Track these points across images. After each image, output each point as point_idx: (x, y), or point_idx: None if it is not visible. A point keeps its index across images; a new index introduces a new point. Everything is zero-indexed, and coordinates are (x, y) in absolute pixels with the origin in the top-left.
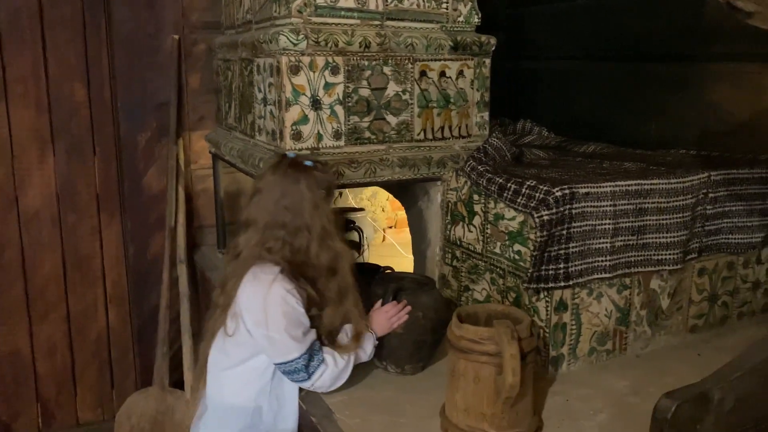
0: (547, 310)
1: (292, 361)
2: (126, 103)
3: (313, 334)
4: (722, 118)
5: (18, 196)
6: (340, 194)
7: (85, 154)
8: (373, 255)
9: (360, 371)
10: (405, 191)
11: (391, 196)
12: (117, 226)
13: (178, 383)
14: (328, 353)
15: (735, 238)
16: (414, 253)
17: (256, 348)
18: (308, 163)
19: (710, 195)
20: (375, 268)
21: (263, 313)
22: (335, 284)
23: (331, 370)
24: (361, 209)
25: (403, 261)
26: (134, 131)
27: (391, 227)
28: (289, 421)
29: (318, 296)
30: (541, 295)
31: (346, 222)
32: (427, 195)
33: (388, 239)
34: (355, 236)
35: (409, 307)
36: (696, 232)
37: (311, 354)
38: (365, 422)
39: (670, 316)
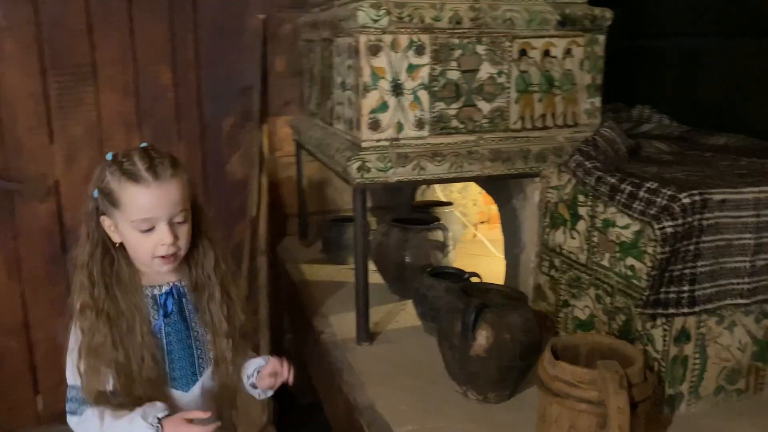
0: (665, 340)
1: (68, 387)
2: (210, 87)
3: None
4: None
5: None
6: (428, 185)
7: (170, 139)
8: (461, 254)
9: (437, 396)
10: (497, 187)
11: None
12: None
13: None
14: (95, 411)
15: None
16: (506, 257)
17: None
18: (108, 156)
19: None
20: (458, 274)
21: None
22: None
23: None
24: (449, 203)
25: (494, 262)
26: (218, 116)
27: (483, 222)
28: None
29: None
30: (658, 322)
31: (429, 218)
32: (523, 193)
33: (479, 236)
34: (439, 236)
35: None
36: None
37: (72, 395)
38: None
39: None
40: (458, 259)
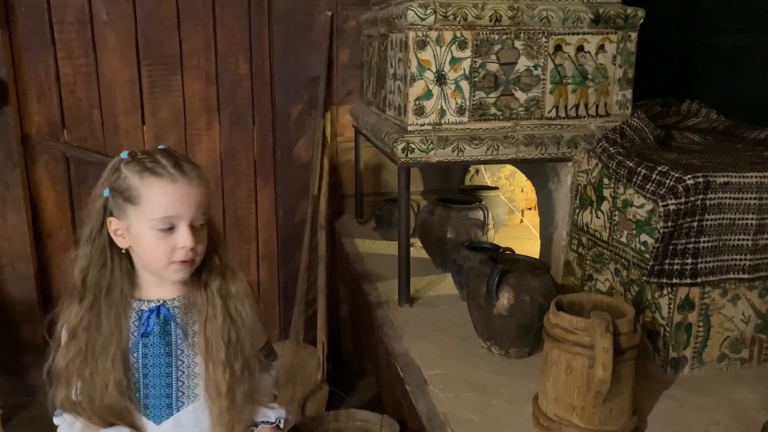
0: (669, 308)
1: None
2: (282, 77)
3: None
4: None
5: None
6: (476, 171)
7: (245, 124)
8: (506, 236)
9: (464, 350)
10: (536, 172)
11: None
12: (270, 191)
13: (313, 341)
14: (67, 421)
15: None
16: (541, 236)
17: None
18: (123, 154)
19: None
20: (494, 249)
21: None
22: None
23: None
24: (496, 188)
25: (536, 244)
26: (288, 104)
27: (530, 209)
28: None
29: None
30: (665, 291)
31: (470, 199)
32: (558, 176)
33: (525, 222)
34: (479, 215)
35: None
36: None
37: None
38: (457, 398)
39: None
40: (502, 240)
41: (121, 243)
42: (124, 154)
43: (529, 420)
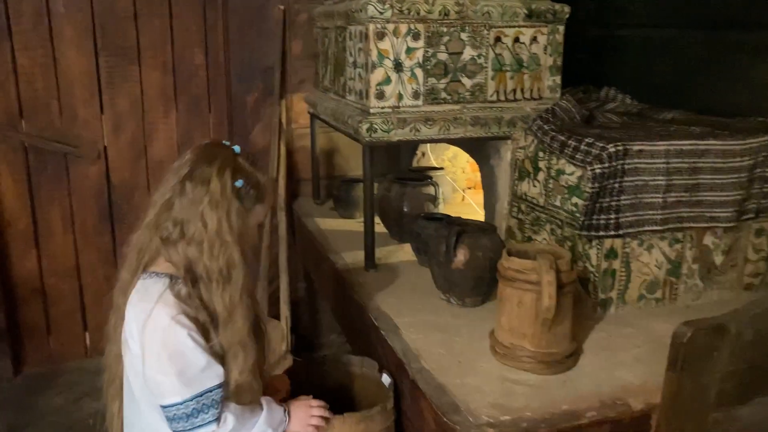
0: (597, 257)
1: (172, 406)
2: (237, 67)
3: (212, 377)
4: None
5: (146, 147)
6: (423, 154)
7: (202, 112)
8: (451, 213)
9: (427, 302)
10: (479, 150)
11: (471, 159)
12: None
13: (276, 315)
14: (232, 412)
15: None
16: (485, 208)
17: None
18: (236, 149)
19: None
20: (447, 217)
21: (139, 346)
22: (227, 297)
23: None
24: (441, 168)
25: (479, 218)
26: (244, 92)
27: (470, 188)
28: None
29: (206, 312)
30: (593, 243)
31: (423, 176)
32: (498, 153)
33: (467, 199)
34: (431, 190)
35: (328, 417)
36: (754, 193)
37: (204, 404)
38: (426, 338)
39: (723, 272)
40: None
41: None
42: (237, 149)
43: (487, 350)
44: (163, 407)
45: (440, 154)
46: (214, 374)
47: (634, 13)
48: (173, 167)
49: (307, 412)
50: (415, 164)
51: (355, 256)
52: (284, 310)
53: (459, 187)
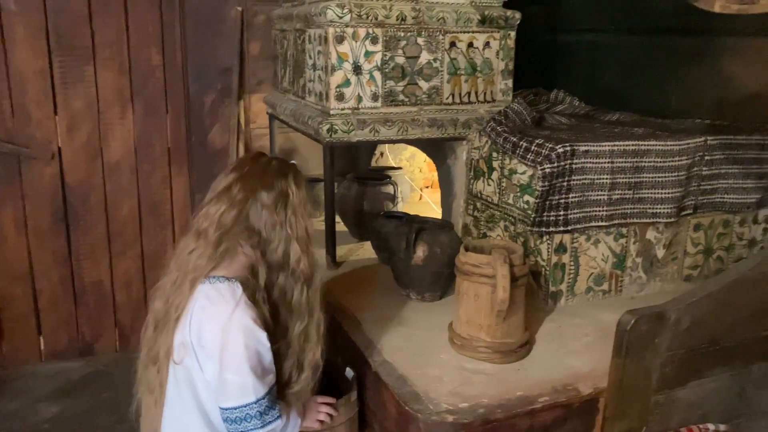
0: (548, 251)
1: (245, 405)
2: (195, 67)
3: (273, 377)
4: (736, 90)
5: (102, 148)
6: (381, 154)
7: (159, 112)
8: (410, 211)
9: (387, 298)
10: (436, 150)
11: (428, 158)
12: (185, 176)
13: None
14: (283, 407)
15: (730, 198)
16: (442, 206)
17: (207, 387)
18: (293, 162)
19: (706, 157)
20: (406, 215)
21: (218, 348)
22: (310, 296)
23: (283, 429)
24: (399, 168)
25: (437, 216)
26: (201, 93)
27: (427, 187)
28: None
29: (273, 324)
30: (544, 239)
31: (382, 176)
32: (455, 153)
33: (425, 198)
34: (390, 189)
35: (333, 413)
36: (692, 191)
37: (271, 401)
38: (387, 332)
39: (665, 264)
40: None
41: None
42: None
43: (446, 342)
44: (234, 408)
45: (398, 154)
46: (273, 374)
47: (579, 20)
48: (230, 178)
49: (315, 407)
50: (373, 164)
51: (317, 255)
52: None
53: (417, 187)
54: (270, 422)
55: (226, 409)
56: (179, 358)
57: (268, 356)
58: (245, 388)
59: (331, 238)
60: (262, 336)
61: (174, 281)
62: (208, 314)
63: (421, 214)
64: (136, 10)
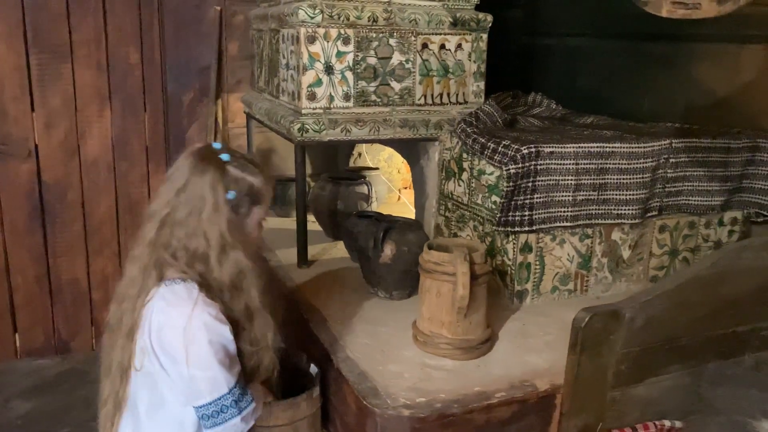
0: (513, 251)
1: (219, 398)
2: (173, 66)
3: (239, 365)
4: (705, 94)
5: (80, 145)
6: (359, 154)
7: (137, 110)
8: (386, 212)
9: (356, 296)
10: (410, 151)
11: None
12: (163, 174)
13: None
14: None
15: (695, 200)
16: (415, 206)
17: (173, 389)
18: (224, 157)
19: (671, 160)
20: (378, 217)
21: (182, 349)
22: (242, 304)
23: (254, 412)
24: (376, 168)
25: (410, 217)
26: (179, 91)
27: (405, 188)
28: None
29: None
30: (510, 238)
31: (356, 176)
32: (427, 154)
33: (403, 199)
34: (364, 189)
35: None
36: (657, 192)
37: (241, 387)
38: (353, 329)
39: (631, 265)
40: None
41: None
42: (226, 157)
43: (410, 339)
44: (209, 403)
45: (376, 154)
46: (239, 363)
47: (557, 24)
48: (168, 176)
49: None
50: (351, 164)
51: (289, 254)
52: None
53: (394, 187)
54: (245, 407)
55: (202, 406)
56: (140, 364)
57: (232, 347)
58: (216, 382)
59: (302, 238)
60: (225, 330)
61: (130, 281)
62: (166, 317)
63: (398, 215)
64: (115, 8)
